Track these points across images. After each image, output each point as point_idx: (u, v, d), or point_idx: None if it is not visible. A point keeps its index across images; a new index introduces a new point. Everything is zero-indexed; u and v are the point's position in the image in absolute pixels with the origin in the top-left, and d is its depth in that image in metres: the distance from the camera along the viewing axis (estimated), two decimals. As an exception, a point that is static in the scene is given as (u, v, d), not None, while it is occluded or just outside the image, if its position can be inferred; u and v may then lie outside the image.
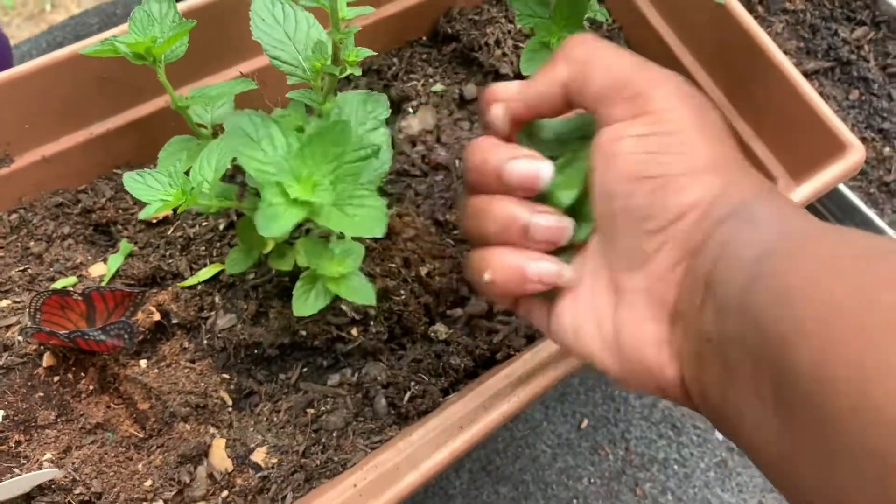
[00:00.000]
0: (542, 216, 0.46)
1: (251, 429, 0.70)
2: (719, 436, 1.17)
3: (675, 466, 1.15)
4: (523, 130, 0.53)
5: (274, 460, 0.68)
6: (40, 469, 0.65)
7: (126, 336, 0.64)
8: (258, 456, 0.68)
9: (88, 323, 0.70)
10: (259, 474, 0.67)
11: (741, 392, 0.34)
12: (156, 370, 0.72)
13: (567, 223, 0.47)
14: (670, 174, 0.40)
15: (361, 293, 0.62)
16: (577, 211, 0.49)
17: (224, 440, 0.68)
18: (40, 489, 0.64)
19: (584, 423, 1.15)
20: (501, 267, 0.48)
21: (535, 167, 0.47)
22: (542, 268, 0.47)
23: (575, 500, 1.10)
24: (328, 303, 0.64)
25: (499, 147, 0.48)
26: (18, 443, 0.67)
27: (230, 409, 0.72)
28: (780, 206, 0.39)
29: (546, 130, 0.53)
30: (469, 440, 0.59)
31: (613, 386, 1.17)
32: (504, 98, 0.50)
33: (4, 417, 0.68)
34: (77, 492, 0.65)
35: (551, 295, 0.50)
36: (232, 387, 0.73)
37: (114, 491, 0.66)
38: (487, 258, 0.48)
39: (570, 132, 0.53)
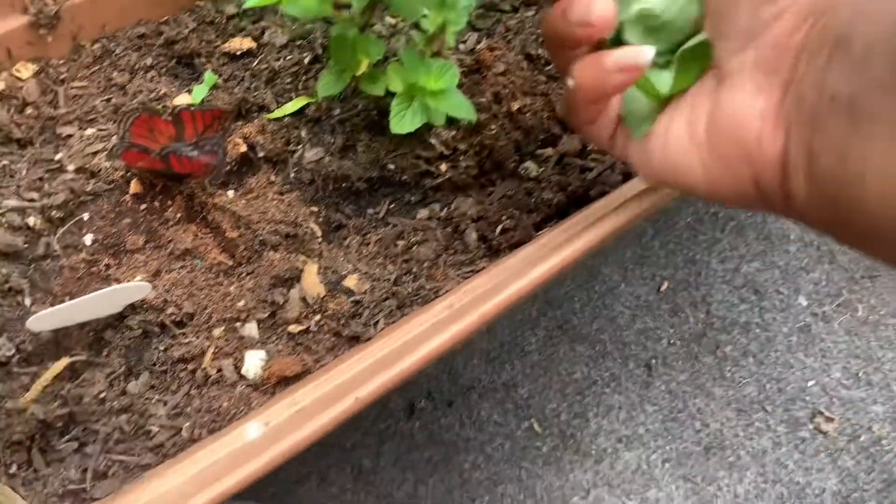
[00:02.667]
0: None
1: (342, 258, 0.69)
2: (803, 301, 1.13)
3: (757, 330, 1.12)
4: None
5: (366, 287, 0.67)
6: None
7: (218, 152, 0.63)
8: (350, 282, 0.67)
9: (177, 146, 0.68)
10: (351, 299, 0.66)
11: (875, 141, 0.31)
12: (243, 200, 0.71)
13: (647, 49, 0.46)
14: None
15: (462, 108, 0.59)
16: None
17: (316, 266, 0.67)
18: (132, 308, 0.65)
19: (664, 286, 1.13)
20: (581, 67, 0.47)
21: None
22: (619, 54, 0.46)
23: (654, 361, 1.09)
24: (426, 121, 0.61)
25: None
26: (108, 266, 0.67)
27: (320, 240, 0.70)
28: None
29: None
30: (576, 251, 0.56)
31: (704, 204, 1.14)
32: None
33: (94, 241, 0.68)
34: (169, 311, 0.65)
35: (644, 121, 0.49)
36: (321, 219, 0.71)
37: (206, 312, 0.66)
38: (572, 66, 0.48)
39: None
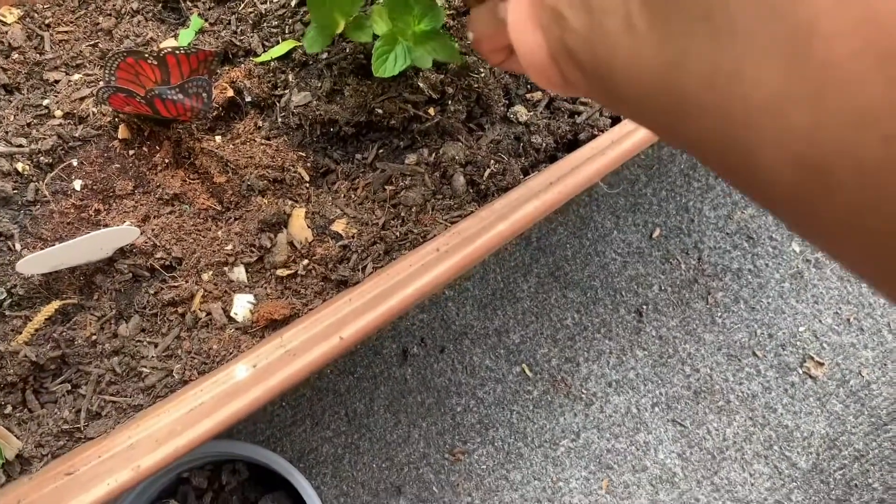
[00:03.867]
0: None
1: (330, 203, 0.69)
2: (796, 247, 1.14)
3: (749, 277, 1.13)
4: None
5: (354, 231, 0.67)
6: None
7: (204, 95, 0.62)
8: (338, 227, 0.67)
9: (163, 92, 0.68)
10: (339, 243, 0.66)
11: (609, 31, 0.30)
12: (231, 146, 0.71)
13: None
14: None
15: (446, 50, 0.59)
16: None
17: (304, 210, 0.68)
18: (122, 253, 0.65)
19: (656, 233, 1.13)
20: (475, 18, 0.46)
21: None
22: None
23: (644, 307, 1.10)
24: (409, 64, 0.61)
25: None
26: (98, 211, 0.68)
27: (307, 184, 0.71)
28: None
29: None
30: (563, 191, 0.57)
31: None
32: None
33: (83, 186, 0.68)
34: (158, 256, 0.66)
35: None
36: (308, 164, 0.71)
37: (194, 256, 0.66)
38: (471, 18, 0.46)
39: None
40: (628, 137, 0.64)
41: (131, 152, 0.70)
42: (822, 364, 1.10)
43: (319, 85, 0.73)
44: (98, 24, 0.76)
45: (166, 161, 0.70)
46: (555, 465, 1.01)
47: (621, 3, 0.29)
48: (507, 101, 0.75)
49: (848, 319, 1.12)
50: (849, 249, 0.23)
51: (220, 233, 0.67)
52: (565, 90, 0.37)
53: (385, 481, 0.98)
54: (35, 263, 0.60)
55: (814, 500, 1.02)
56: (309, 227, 0.67)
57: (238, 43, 0.75)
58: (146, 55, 0.66)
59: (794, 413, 1.07)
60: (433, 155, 0.72)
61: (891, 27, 0.19)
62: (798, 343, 1.10)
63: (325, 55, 0.75)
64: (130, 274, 0.65)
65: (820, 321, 1.11)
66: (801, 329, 1.11)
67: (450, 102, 0.72)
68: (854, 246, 0.22)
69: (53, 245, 0.64)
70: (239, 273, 0.66)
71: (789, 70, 0.21)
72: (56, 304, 0.61)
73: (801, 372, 1.09)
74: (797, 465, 1.04)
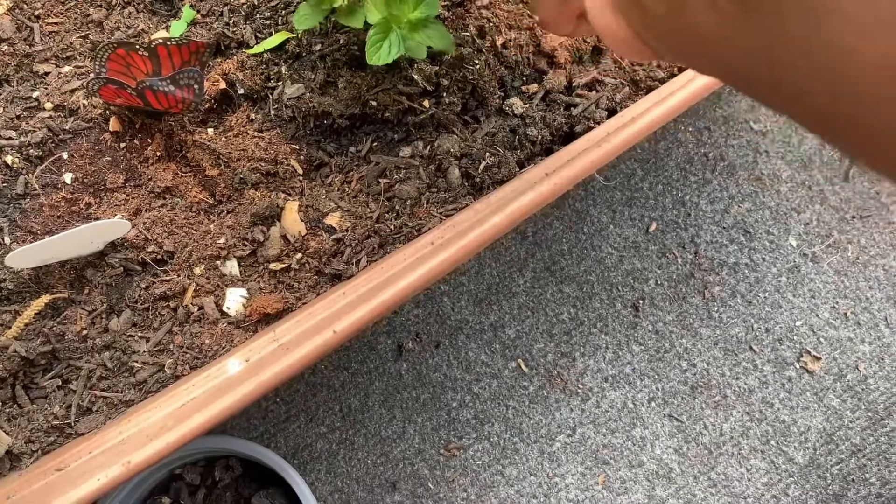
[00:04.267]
0: None
1: (323, 196, 0.69)
2: (793, 241, 1.13)
3: (746, 271, 1.12)
4: None
5: (348, 225, 0.66)
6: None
7: (195, 86, 0.62)
8: (332, 220, 0.66)
9: (154, 84, 0.67)
10: (333, 237, 0.66)
11: (692, 11, 0.32)
12: (223, 139, 0.70)
13: None
14: None
15: (440, 39, 0.58)
16: None
17: (297, 203, 0.67)
18: (113, 247, 0.64)
19: (653, 227, 1.13)
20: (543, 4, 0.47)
21: None
22: None
23: (641, 301, 1.09)
24: (403, 52, 0.60)
25: None
26: (89, 204, 0.67)
27: (301, 177, 0.70)
28: None
29: None
30: (559, 183, 0.56)
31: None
32: None
33: (73, 179, 0.67)
34: (149, 249, 0.65)
35: None
36: (302, 157, 0.71)
37: (186, 250, 0.65)
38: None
39: None
40: (623, 129, 0.64)
41: (122, 145, 0.69)
42: (818, 359, 1.09)
43: (313, 77, 0.72)
44: (89, 15, 0.75)
45: (158, 154, 0.69)
46: (551, 461, 1.00)
47: None
48: (502, 94, 0.75)
49: (845, 314, 1.12)
50: None
51: (212, 226, 0.67)
52: (656, 58, 0.40)
53: (380, 477, 0.98)
54: (24, 257, 0.59)
55: (810, 494, 1.02)
56: (302, 220, 0.67)
57: (230, 34, 0.74)
58: (137, 47, 0.65)
59: (791, 408, 1.06)
60: (428, 147, 0.71)
61: None
62: (795, 338, 1.10)
63: (318, 46, 0.74)
64: (122, 268, 0.64)
65: (817, 316, 1.11)
66: (797, 324, 1.11)
67: (444, 94, 0.72)
68: None
69: (43, 238, 0.63)
70: (231, 267, 0.65)
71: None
72: (46, 298, 0.60)
73: (797, 367, 1.09)
74: (794, 460, 1.03)
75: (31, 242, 0.64)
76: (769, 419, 1.06)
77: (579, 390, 1.04)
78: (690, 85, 0.70)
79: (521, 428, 1.02)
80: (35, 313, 0.60)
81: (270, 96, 0.73)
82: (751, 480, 1.02)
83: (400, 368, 1.03)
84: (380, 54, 0.59)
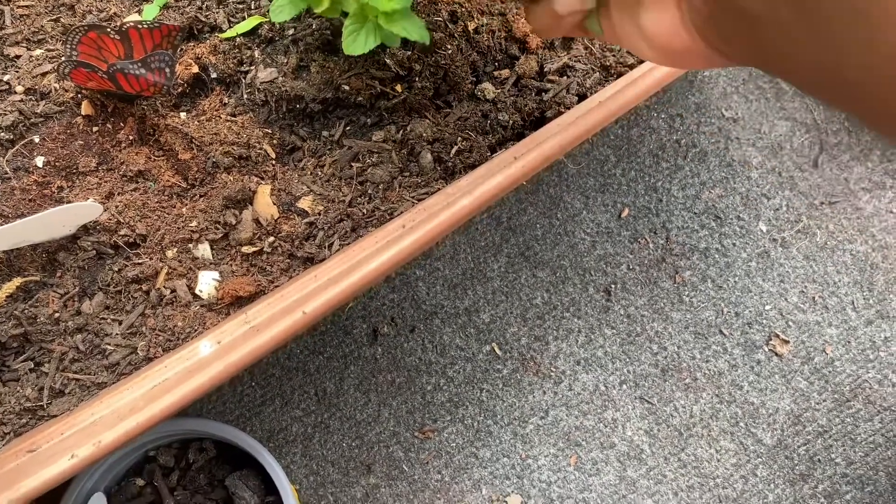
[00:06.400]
0: None
1: (296, 180, 0.69)
2: (763, 227, 1.15)
3: (717, 256, 1.14)
4: None
5: (320, 208, 0.67)
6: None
7: (167, 69, 0.62)
8: (304, 204, 0.67)
9: (126, 67, 0.67)
10: (306, 220, 0.66)
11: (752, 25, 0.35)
12: (196, 122, 0.71)
13: None
14: None
15: (414, 29, 0.59)
16: None
17: (269, 187, 0.67)
18: (85, 230, 0.64)
19: (625, 213, 1.14)
20: (534, 14, 0.50)
21: None
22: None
23: (613, 286, 1.11)
24: (379, 42, 0.61)
25: None
26: (61, 188, 0.67)
27: (273, 161, 0.70)
28: None
29: None
30: (527, 166, 0.57)
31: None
32: None
33: (45, 163, 0.67)
34: (122, 233, 0.65)
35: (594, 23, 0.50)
36: (275, 141, 0.71)
37: (159, 233, 0.66)
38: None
39: None
40: (590, 114, 0.64)
41: (95, 129, 0.70)
42: (787, 342, 1.11)
43: (286, 61, 0.73)
44: (60, -2, 0.75)
45: (130, 138, 0.70)
46: (524, 443, 1.02)
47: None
48: (474, 79, 0.75)
49: (813, 298, 1.14)
50: None
51: (184, 209, 0.67)
52: (730, 65, 0.43)
53: (355, 460, 0.98)
54: (1, 238, 0.60)
55: (778, 475, 1.04)
56: (275, 203, 0.67)
57: (203, 18, 0.74)
58: (108, 30, 0.65)
59: (760, 390, 1.08)
60: (401, 132, 0.72)
61: None
62: (764, 321, 1.12)
63: (291, 31, 0.74)
64: (94, 251, 0.64)
65: (786, 299, 1.13)
66: (767, 308, 1.12)
67: (417, 79, 0.72)
68: None
69: (14, 222, 0.64)
70: (204, 250, 0.65)
71: None
72: (18, 281, 0.61)
73: (766, 350, 1.10)
74: (762, 441, 1.05)
75: (2, 225, 0.64)
76: (738, 401, 1.07)
77: (552, 373, 1.05)
78: (657, 70, 0.71)
79: (494, 410, 1.03)
80: (6, 296, 0.61)
81: (243, 80, 0.73)
82: (720, 461, 1.04)
83: (375, 352, 1.03)
84: (356, 45, 0.60)
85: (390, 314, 1.06)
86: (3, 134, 0.67)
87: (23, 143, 0.68)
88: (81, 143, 0.69)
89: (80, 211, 0.61)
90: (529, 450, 1.02)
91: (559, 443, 1.03)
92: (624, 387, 1.06)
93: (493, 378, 1.04)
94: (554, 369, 1.06)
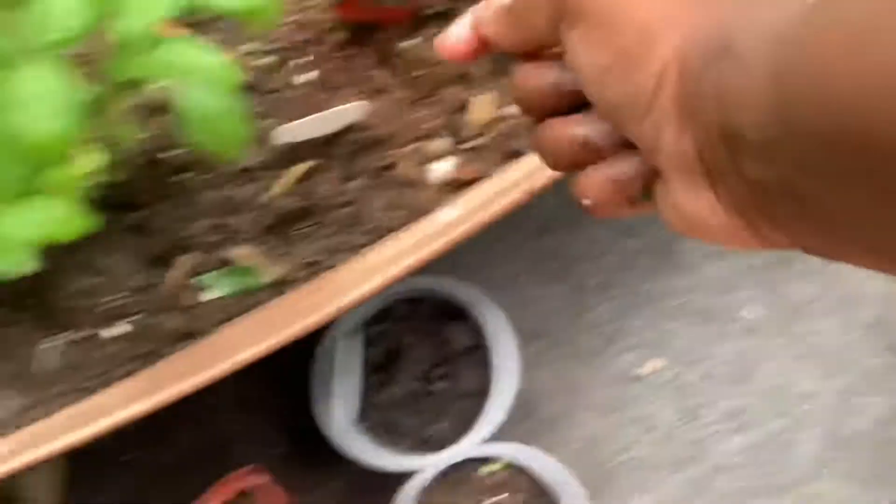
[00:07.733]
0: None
1: (506, 93, 0.85)
2: None
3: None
4: None
5: (528, 112, 0.83)
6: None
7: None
8: (513, 108, 0.83)
9: None
10: (514, 122, 0.83)
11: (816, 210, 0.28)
12: (427, 45, 0.88)
13: None
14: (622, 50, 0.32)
15: None
16: None
17: (486, 97, 0.84)
18: (348, 129, 0.83)
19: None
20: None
21: None
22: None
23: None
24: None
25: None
26: (325, 99, 0.86)
27: (491, 75, 0.86)
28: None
29: None
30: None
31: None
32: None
33: (310, 80, 0.86)
34: (374, 132, 0.83)
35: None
36: (491, 58, 0.87)
37: (400, 132, 0.83)
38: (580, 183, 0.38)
39: None
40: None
41: (346, 52, 0.88)
42: None
43: None
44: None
45: (374, 59, 0.87)
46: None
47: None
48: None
49: None
50: None
51: (419, 115, 0.85)
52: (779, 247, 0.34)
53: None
54: (288, 133, 0.79)
55: None
56: (490, 109, 0.84)
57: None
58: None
59: None
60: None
61: None
62: None
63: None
64: (356, 144, 0.83)
65: None
66: None
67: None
68: None
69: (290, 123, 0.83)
70: (436, 146, 0.83)
71: None
72: (306, 164, 0.80)
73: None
74: None
75: (279, 125, 0.83)
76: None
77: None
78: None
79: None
80: (296, 178, 0.80)
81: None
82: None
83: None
84: None
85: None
86: (278, 56, 0.87)
87: (292, 63, 0.87)
88: (337, 64, 0.87)
89: (349, 111, 0.80)
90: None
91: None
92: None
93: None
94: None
